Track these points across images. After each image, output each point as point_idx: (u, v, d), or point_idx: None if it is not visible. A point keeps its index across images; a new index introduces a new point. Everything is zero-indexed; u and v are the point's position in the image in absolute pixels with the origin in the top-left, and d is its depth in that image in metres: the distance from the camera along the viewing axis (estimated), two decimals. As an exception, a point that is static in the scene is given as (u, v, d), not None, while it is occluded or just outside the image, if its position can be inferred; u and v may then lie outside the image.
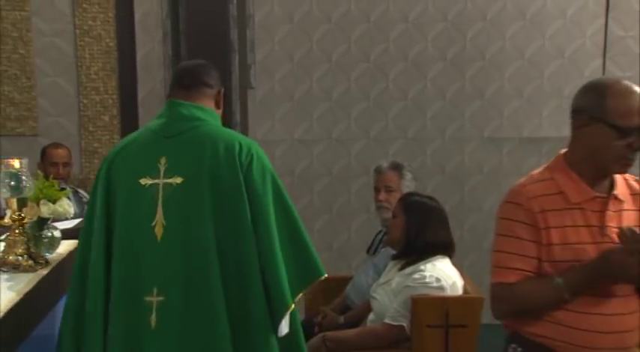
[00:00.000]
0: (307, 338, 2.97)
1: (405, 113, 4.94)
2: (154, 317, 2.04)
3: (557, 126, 4.85)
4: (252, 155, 2.14)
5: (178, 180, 2.11)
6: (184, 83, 2.29)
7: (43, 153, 4.32)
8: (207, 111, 2.24)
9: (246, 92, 4.85)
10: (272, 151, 4.91)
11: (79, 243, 2.23)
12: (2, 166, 2.18)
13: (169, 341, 2.04)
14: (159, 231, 2.08)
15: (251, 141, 2.24)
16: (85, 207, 4.32)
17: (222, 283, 2.05)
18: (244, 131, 4.88)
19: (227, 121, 4.74)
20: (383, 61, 4.88)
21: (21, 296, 1.90)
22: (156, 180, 2.11)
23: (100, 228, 2.13)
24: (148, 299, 2.05)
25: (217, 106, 2.31)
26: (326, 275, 2.29)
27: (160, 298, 2.05)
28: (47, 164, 4.22)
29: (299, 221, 2.21)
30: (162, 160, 2.13)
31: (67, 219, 2.57)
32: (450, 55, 4.89)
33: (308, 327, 3.24)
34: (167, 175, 2.11)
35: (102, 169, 2.20)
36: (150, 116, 4.81)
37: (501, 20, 4.85)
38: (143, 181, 2.12)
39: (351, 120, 4.95)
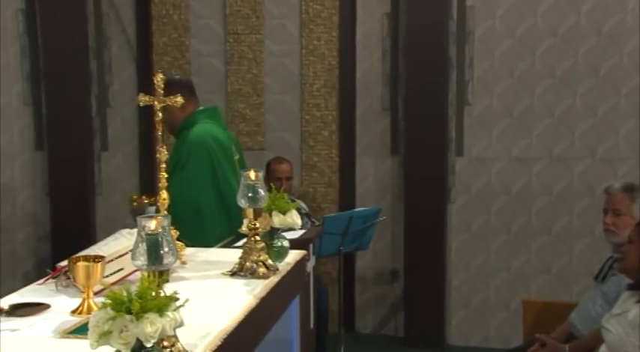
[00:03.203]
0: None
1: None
2: None
3: None
4: None
5: (237, 156, 3.55)
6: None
7: (268, 167, 4.59)
8: None
9: (462, 108, 4.80)
10: (488, 168, 4.80)
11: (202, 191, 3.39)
12: (242, 178, 2.34)
13: None
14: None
15: None
16: (304, 218, 4.56)
17: None
18: (459, 148, 4.83)
19: (442, 137, 4.74)
20: (614, 75, 4.56)
21: (258, 300, 2.03)
22: (236, 156, 3.53)
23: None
24: None
25: None
26: None
27: None
28: (271, 178, 4.47)
29: None
30: (232, 145, 3.56)
31: (293, 229, 2.70)
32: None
33: (528, 354, 3.10)
34: (236, 154, 3.54)
35: (217, 150, 3.39)
36: (368, 131, 4.95)
37: None
38: (236, 156, 3.53)
39: (574, 138, 4.67)
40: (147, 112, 4.39)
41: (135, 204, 3.28)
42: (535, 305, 3.52)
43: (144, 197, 3.33)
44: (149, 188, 5.00)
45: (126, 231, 2.41)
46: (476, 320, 4.86)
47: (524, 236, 4.77)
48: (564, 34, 4.60)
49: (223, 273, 2.29)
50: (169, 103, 2.40)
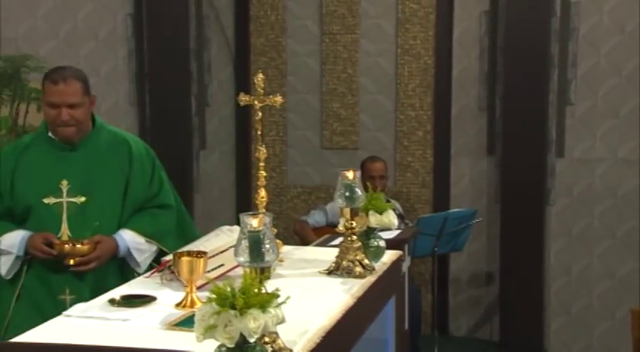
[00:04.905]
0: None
1: None
2: None
3: None
4: None
5: None
6: None
7: (362, 166, 4.58)
8: None
9: (564, 108, 4.64)
10: (591, 170, 4.61)
11: None
12: (339, 177, 2.34)
13: None
14: None
15: None
16: (398, 219, 4.52)
17: None
18: (560, 148, 4.67)
19: (542, 138, 4.59)
20: None
21: (355, 299, 2.02)
22: None
23: None
24: None
25: None
26: None
27: None
28: (365, 177, 4.44)
29: None
30: None
31: (388, 229, 2.68)
32: None
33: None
34: None
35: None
36: (463, 131, 4.86)
37: None
38: None
39: (688, 139, 4.42)
40: (244, 111, 4.52)
41: (58, 248, 2.55)
42: (645, 315, 3.34)
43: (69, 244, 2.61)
44: (245, 185, 5.13)
45: (226, 227, 2.46)
46: (577, 328, 4.68)
47: (632, 241, 4.55)
48: (680, 28, 4.36)
49: (320, 272, 2.30)
50: (269, 103, 2.43)
